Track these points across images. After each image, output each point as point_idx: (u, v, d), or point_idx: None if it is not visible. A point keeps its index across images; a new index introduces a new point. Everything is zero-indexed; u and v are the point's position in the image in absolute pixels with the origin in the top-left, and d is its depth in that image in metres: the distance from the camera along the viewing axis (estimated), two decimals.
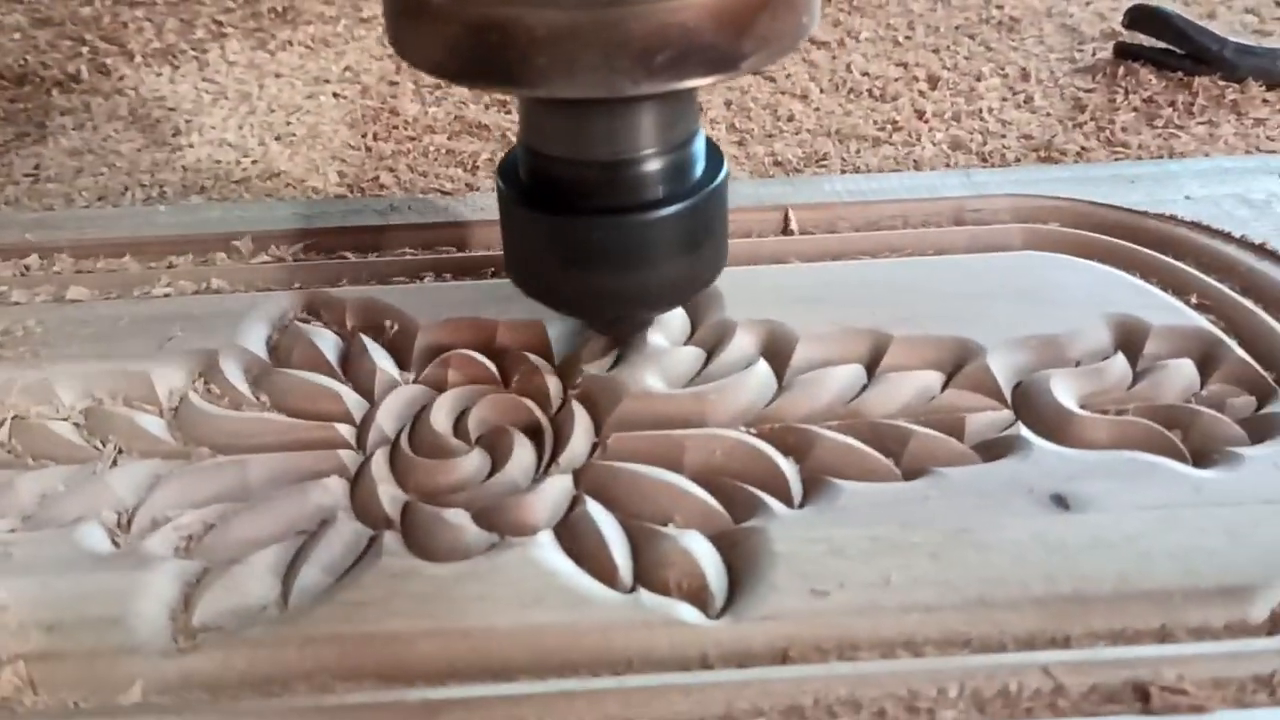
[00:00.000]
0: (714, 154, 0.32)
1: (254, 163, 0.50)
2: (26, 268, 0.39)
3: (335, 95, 0.56)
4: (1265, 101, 0.52)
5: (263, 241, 0.40)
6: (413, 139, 0.52)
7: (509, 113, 0.54)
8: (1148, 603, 0.27)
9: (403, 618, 0.27)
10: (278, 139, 0.52)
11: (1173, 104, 0.52)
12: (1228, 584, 0.27)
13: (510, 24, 0.25)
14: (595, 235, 0.30)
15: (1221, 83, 0.53)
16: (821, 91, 0.54)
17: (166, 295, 0.38)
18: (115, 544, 0.29)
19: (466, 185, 0.48)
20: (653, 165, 0.30)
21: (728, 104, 0.54)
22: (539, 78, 0.25)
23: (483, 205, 0.42)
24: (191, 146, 0.51)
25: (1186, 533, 0.28)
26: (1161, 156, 0.48)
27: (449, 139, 0.52)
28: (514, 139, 0.51)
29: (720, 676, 0.26)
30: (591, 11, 0.24)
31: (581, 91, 0.26)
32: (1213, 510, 0.29)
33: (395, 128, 0.53)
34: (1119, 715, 0.25)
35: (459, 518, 0.30)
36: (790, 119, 0.52)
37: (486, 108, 0.54)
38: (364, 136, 0.52)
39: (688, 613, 0.27)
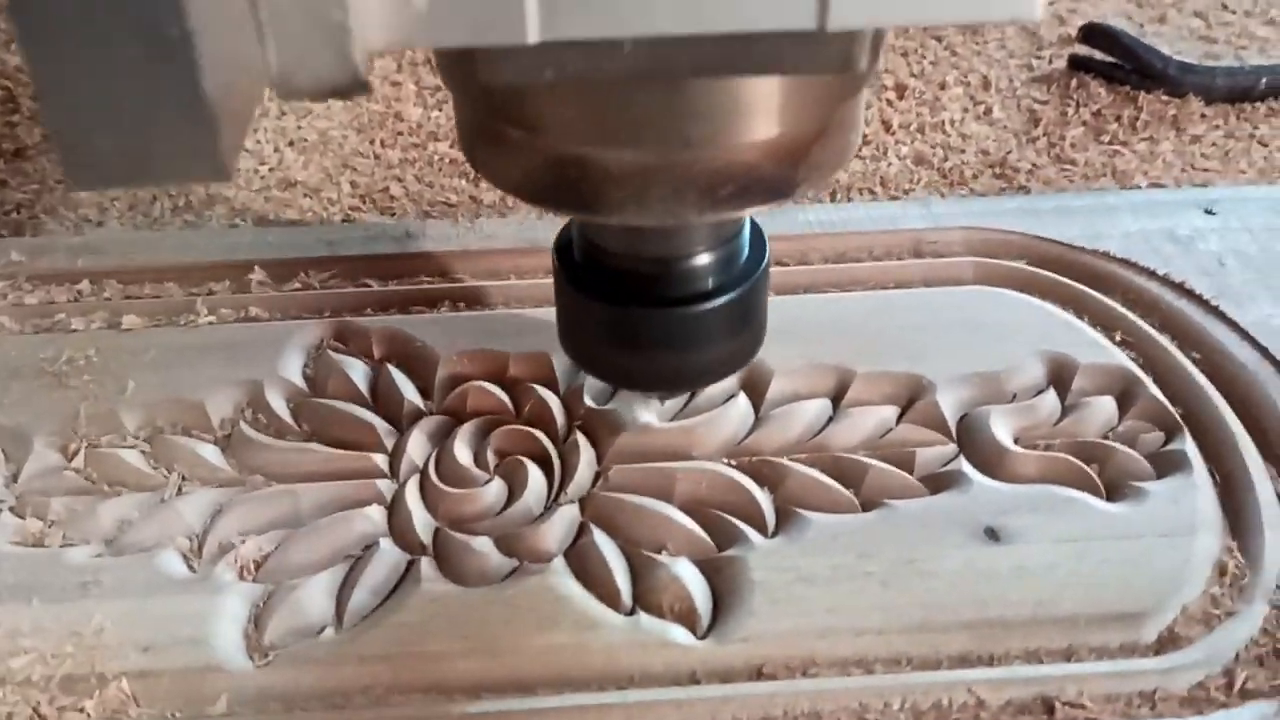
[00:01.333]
0: (758, 240, 0.35)
1: (270, 170, 0.54)
2: (79, 293, 0.44)
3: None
4: (1203, 117, 0.57)
5: (292, 268, 0.44)
6: (418, 146, 0.56)
7: None
8: (1057, 626, 0.33)
9: (442, 638, 0.32)
10: (290, 145, 0.56)
11: (1119, 119, 0.57)
12: (1124, 610, 0.33)
13: (588, 162, 0.27)
14: (647, 325, 0.33)
15: (1165, 98, 0.58)
16: None
17: (210, 323, 0.42)
18: (190, 569, 0.34)
19: (470, 197, 0.52)
20: (704, 260, 0.33)
21: None
22: (612, 209, 0.27)
23: (490, 233, 0.46)
24: None
25: (1093, 563, 0.34)
26: (1105, 174, 0.53)
27: (451, 147, 0.56)
28: None
29: (706, 692, 0.31)
30: (663, 153, 0.26)
31: (651, 221, 0.28)
32: (1117, 543, 0.34)
33: (400, 134, 0.57)
34: None
35: (484, 545, 0.35)
36: None
37: None
38: (372, 143, 0.56)
39: (679, 634, 0.33)
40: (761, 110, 0.26)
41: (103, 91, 0.17)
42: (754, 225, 0.35)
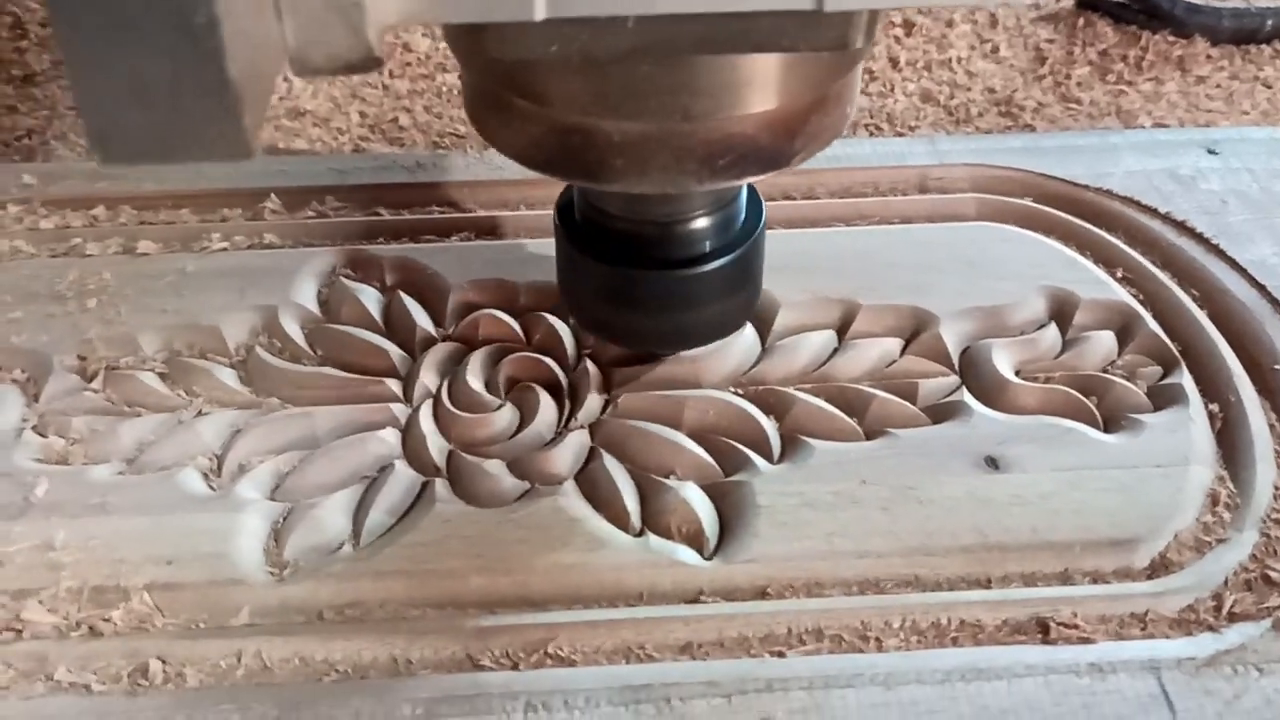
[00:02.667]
0: (754, 202, 0.36)
1: (280, 100, 0.54)
2: (95, 218, 0.44)
3: None
4: (1208, 58, 0.57)
5: (304, 196, 0.45)
6: (426, 77, 0.56)
7: None
8: (1053, 552, 0.34)
9: (456, 557, 0.33)
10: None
11: (1124, 58, 0.57)
12: (1118, 537, 0.34)
13: (591, 131, 0.28)
14: (647, 285, 0.34)
15: (1171, 38, 0.58)
16: None
17: (224, 249, 0.43)
18: (211, 487, 0.35)
19: None
20: (702, 223, 0.34)
21: None
22: (615, 176, 0.28)
23: (500, 164, 0.47)
24: None
25: (1089, 492, 0.35)
26: (1109, 114, 0.54)
27: (459, 78, 0.56)
28: None
29: (712, 610, 0.32)
30: (663, 124, 0.27)
31: (652, 188, 0.29)
32: (1113, 472, 0.35)
33: (409, 64, 0.57)
34: (1024, 645, 0.31)
35: (497, 468, 0.36)
36: None
37: None
38: (380, 74, 0.56)
39: (686, 554, 0.34)
40: (759, 85, 0.27)
41: (131, 74, 0.18)
42: (750, 189, 0.36)
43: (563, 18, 0.21)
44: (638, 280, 0.34)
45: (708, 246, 0.34)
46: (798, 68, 0.27)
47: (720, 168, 0.28)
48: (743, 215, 0.35)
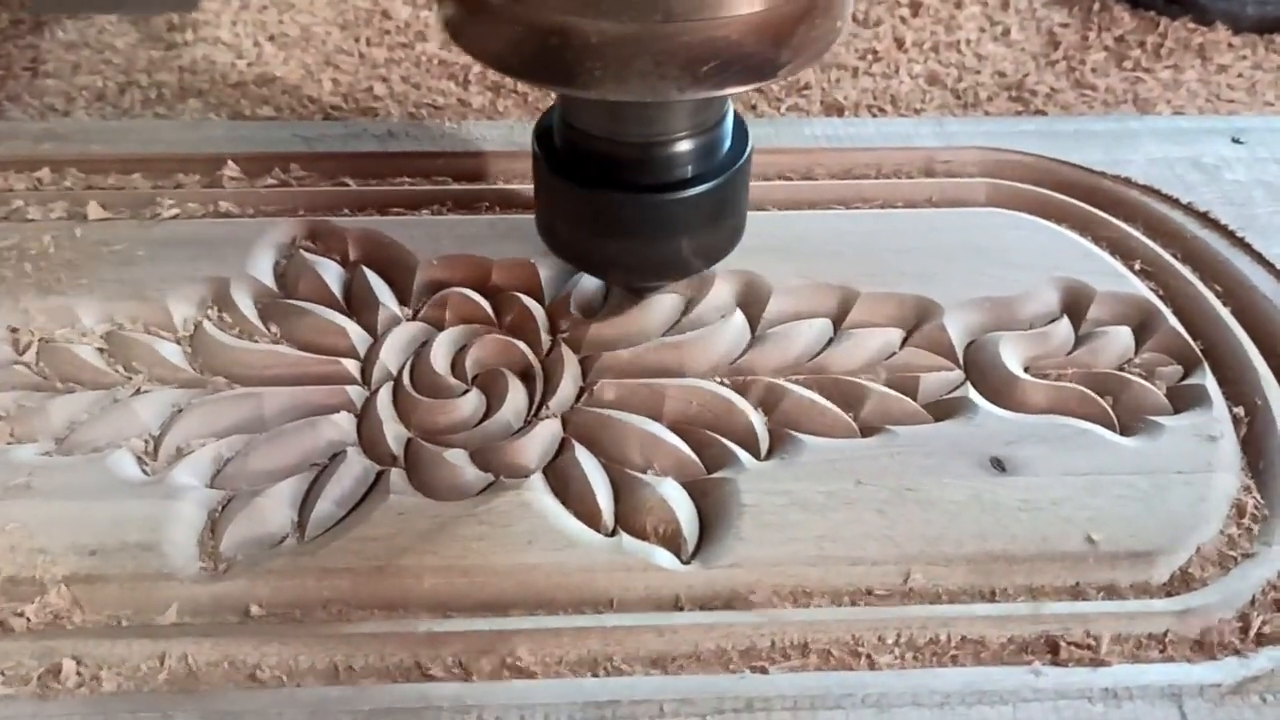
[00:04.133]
0: (740, 131, 0.34)
1: (249, 65, 0.51)
2: (39, 181, 0.41)
3: None
4: (1230, 46, 0.54)
5: (266, 163, 0.42)
6: (405, 45, 0.53)
7: None
8: (1064, 563, 0.31)
9: (409, 553, 0.30)
10: (271, 39, 0.53)
11: (1142, 45, 0.54)
12: (1136, 549, 0.31)
13: (568, 31, 0.27)
14: (628, 210, 0.32)
15: (1191, 25, 0.55)
16: None
17: (175, 216, 0.40)
18: (145, 471, 0.32)
19: (458, 100, 0.50)
20: (685, 146, 0.32)
21: None
22: (592, 81, 0.27)
23: (481, 134, 0.44)
24: (187, 44, 0.52)
25: (1105, 499, 0.32)
26: (1125, 101, 0.51)
27: (440, 48, 0.53)
28: None
29: (688, 619, 0.29)
30: (644, 25, 0.26)
31: (631, 95, 0.28)
32: (1131, 478, 0.32)
33: (387, 32, 0.54)
34: (1031, 666, 0.28)
35: (458, 458, 0.33)
36: None
37: None
38: (357, 41, 0.53)
39: (663, 557, 0.31)
40: None
41: None
42: (736, 116, 0.34)
43: None
44: (616, 204, 0.33)
45: (690, 171, 0.33)
46: None
47: (703, 75, 0.27)
48: (728, 142, 0.34)
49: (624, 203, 0.32)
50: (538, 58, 0.27)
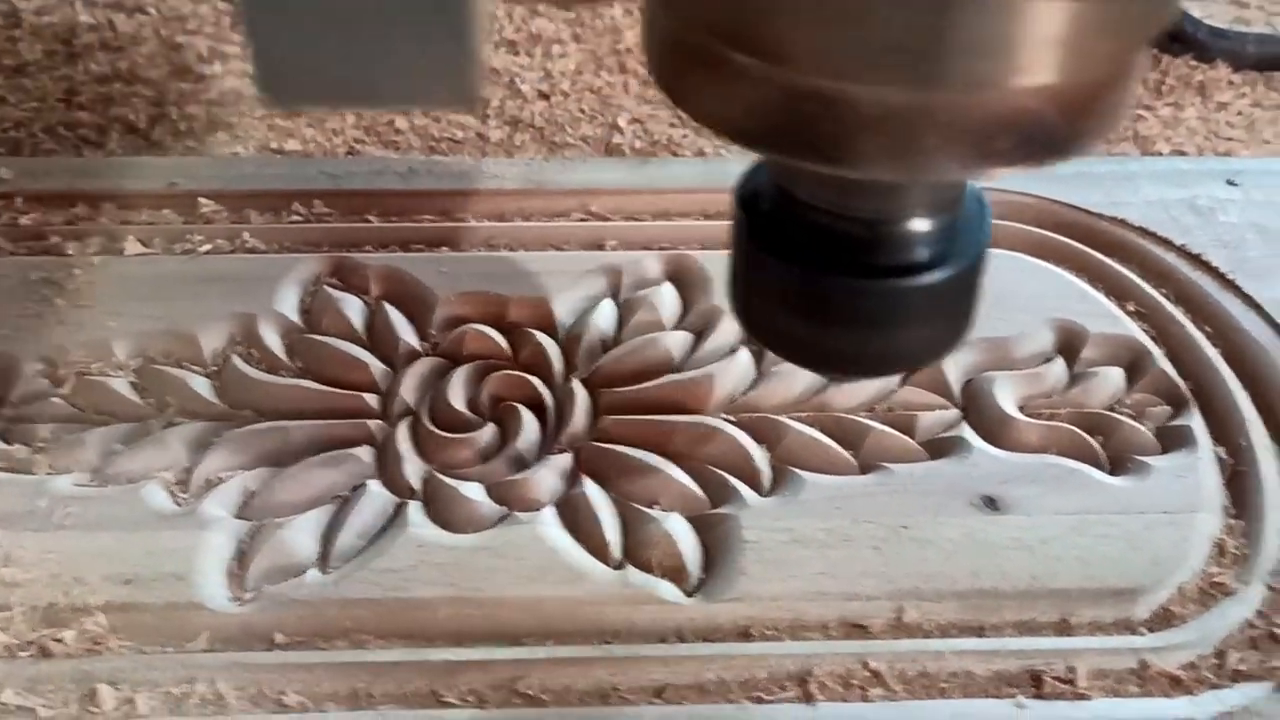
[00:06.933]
0: (981, 210, 0.29)
1: None
2: (76, 216, 0.43)
3: None
4: (1230, 84, 0.56)
5: (292, 200, 0.44)
6: None
7: (516, 54, 0.57)
8: (1051, 600, 0.32)
9: (427, 585, 0.32)
10: None
11: (1143, 82, 0.55)
12: (1119, 586, 0.32)
13: (838, 98, 0.22)
14: (846, 296, 0.28)
15: (1193, 63, 0.56)
16: None
17: (206, 252, 0.41)
18: (176, 503, 0.34)
19: (477, 134, 0.51)
20: (920, 226, 0.27)
21: None
22: (859, 158, 0.22)
23: (499, 172, 0.45)
24: (217, 77, 0.54)
25: (1092, 538, 0.33)
26: (1126, 139, 0.52)
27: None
28: (527, 89, 0.54)
29: (691, 650, 0.31)
30: (934, 92, 0.21)
31: (900, 175, 0.23)
32: (1117, 518, 0.34)
33: None
34: (1015, 698, 0.30)
35: (474, 492, 0.34)
36: None
37: (496, 48, 0.57)
38: None
39: (667, 590, 0.32)
40: (1069, 44, 0.21)
41: None
42: (977, 195, 0.29)
43: None
44: (832, 288, 0.28)
45: (925, 255, 0.28)
46: (1108, 25, 0.21)
47: (995, 151, 0.22)
48: (970, 218, 0.29)
49: (842, 287, 0.28)
50: (791, 128, 0.23)
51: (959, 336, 0.30)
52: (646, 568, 0.33)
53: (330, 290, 0.40)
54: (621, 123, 0.52)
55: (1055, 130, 0.22)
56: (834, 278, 0.27)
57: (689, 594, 0.32)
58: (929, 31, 0.20)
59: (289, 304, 0.40)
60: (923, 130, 0.22)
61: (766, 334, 0.30)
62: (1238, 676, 0.30)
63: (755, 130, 0.23)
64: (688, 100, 0.24)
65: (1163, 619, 0.32)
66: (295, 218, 0.43)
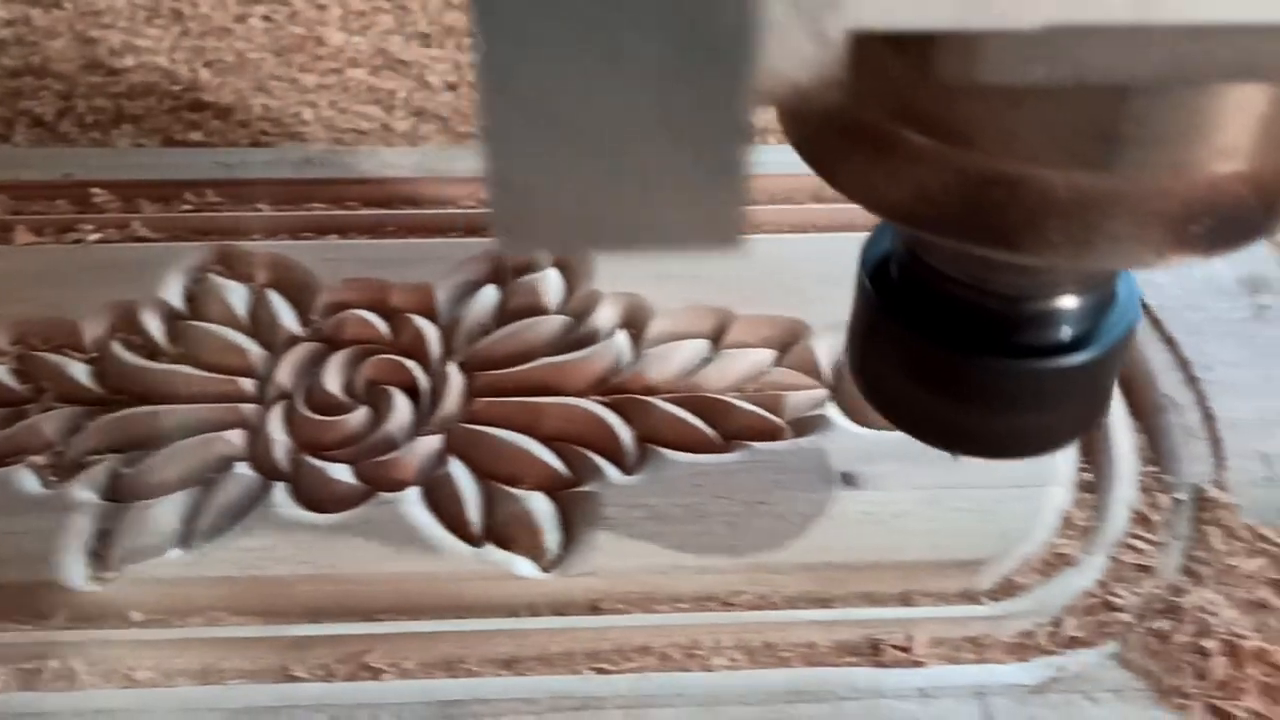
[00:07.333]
0: (1129, 286, 0.27)
1: (184, 91, 0.54)
2: None
3: (265, 18, 0.59)
4: None
5: (184, 190, 0.44)
6: (336, 71, 0.55)
7: (428, 46, 0.57)
8: (897, 572, 0.33)
9: (287, 563, 0.32)
10: (208, 65, 0.55)
11: None
12: (965, 558, 0.33)
13: (1024, 182, 0.20)
14: (984, 376, 0.27)
15: None
16: None
17: (96, 241, 0.42)
18: (45, 486, 0.34)
19: (383, 125, 0.52)
20: (1066, 304, 0.26)
21: None
22: (1043, 244, 0.21)
23: (396, 161, 0.46)
24: (127, 70, 0.54)
25: (942, 512, 0.34)
26: None
27: (370, 74, 0.55)
28: (435, 80, 0.54)
29: (539, 624, 0.32)
30: (1133, 176, 0.20)
31: (1088, 263, 0.22)
32: (970, 492, 0.35)
33: (320, 58, 0.56)
34: (854, 667, 0.31)
35: (341, 472, 0.35)
36: None
37: (409, 40, 0.57)
38: (289, 67, 0.55)
39: (523, 566, 0.33)
40: (1272, 128, 0.20)
41: (586, 116, 0.12)
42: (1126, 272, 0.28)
43: (1069, 26, 0.15)
44: (970, 366, 0.26)
45: (1067, 334, 0.26)
46: None
47: (1190, 237, 0.21)
48: (1118, 296, 0.27)
49: (978, 367, 0.26)
50: (971, 213, 0.21)
51: (1098, 417, 0.29)
52: (506, 545, 0.34)
53: (215, 278, 0.41)
54: None
55: (1252, 213, 0.21)
56: (973, 356, 0.26)
57: (545, 570, 0.33)
58: (1134, 115, 0.19)
59: (173, 291, 0.40)
60: (1117, 216, 0.21)
61: (891, 407, 0.29)
62: (1073, 643, 0.31)
63: (928, 215, 0.21)
64: (845, 180, 0.22)
65: (1005, 589, 0.33)
66: (186, 207, 0.44)
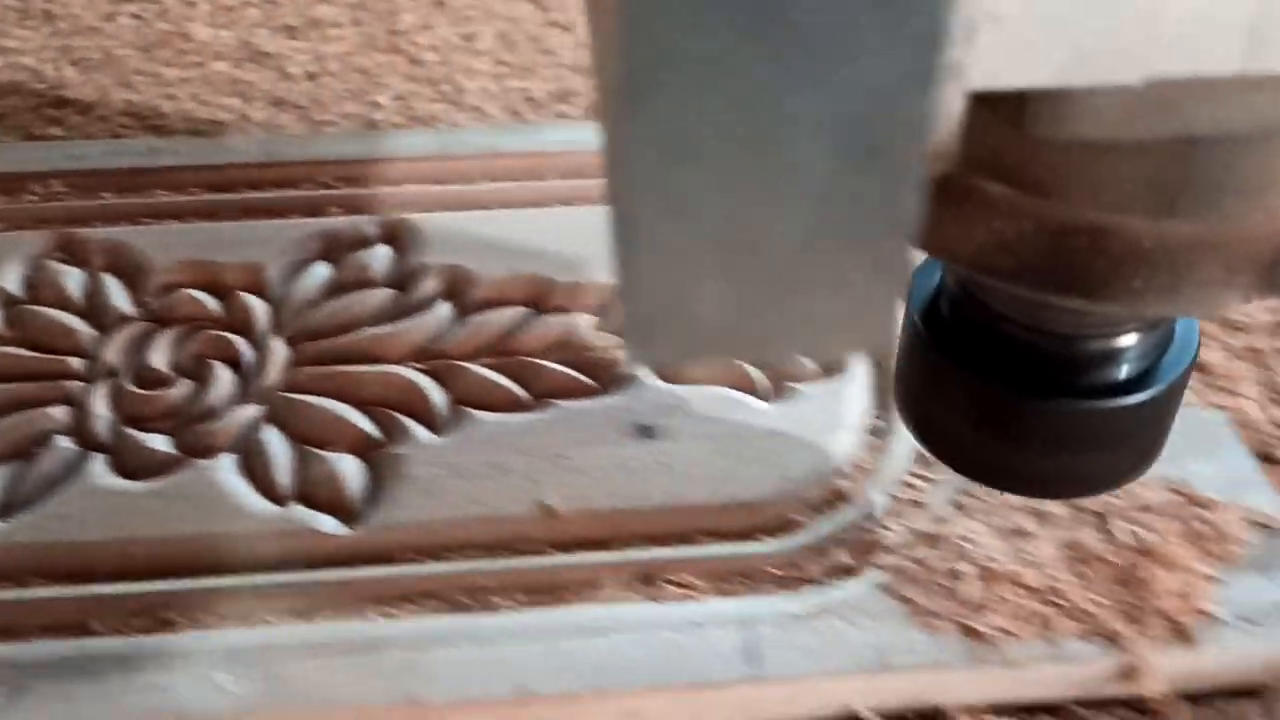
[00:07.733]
0: (1188, 323, 0.27)
1: (49, 89, 0.55)
2: None
3: (134, 16, 0.60)
4: None
5: (28, 181, 0.46)
6: (199, 65, 0.57)
7: (293, 38, 0.59)
8: (680, 515, 0.34)
9: (97, 529, 0.34)
10: (74, 64, 0.57)
11: None
12: (746, 499, 0.35)
13: (1110, 232, 0.20)
14: (1039, 417, 0.26)
15: None
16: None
17: None
18: None
19: (242, 116, 0.53)
20: (1123, 343, 0.25)
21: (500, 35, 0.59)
22: (1127, 294, 0.20)
23: (236, 149, 0.47)
24: None
25: (732, 459, 0.36)
26: None
27: (233, 66, 0.57)
28: (296, 70, 0.56)
29: (334, 575, 0.33)
30: (1225, 221, 0.19)
31: (1172, 311, 0.22)
32: (761, 439, 0.36)
33: (184, 52, 0.57)
34: (631, 603, 0.32)
35: (159, 442, 0.36)
36: (550, 53, 0.58)
37: (273, 34, 0.59)
38: (154, 62, 0.57)
39: (327, 524, 0.34)
40: None
41: (739, 224, 0.11)
42: None
43: (1173, 79, 0.15)
44: (1024, 407, 0.25)
45: (1127, 372, 0.26)
46: None
47: (1276, 282, 0.21)
48: (1175, 334, 0.26)
49: (1033, 409, 0.25)
50: (1051, 263, 0.20)
51: (1156, 454, 0.28)
52: (315, 505, 0.35)
53: (53, 264, 0.42)
54: (384, 100, 0.54)
55: None
56: (1030, 397, 0.25)
57: (350, 526, 0.35)
58: (1225, 163, 0.19)
59: (12, 279, 0.42)
60: (1206, 263, 0.20)
61: (942, 445, 0.28)
62: (840, 573, 0.33)
63: (1008, 265, 0.21)
64: (924, 231, 0.21)
65: (782, 526, 0.34)
66: (31, 198, 0.45)
